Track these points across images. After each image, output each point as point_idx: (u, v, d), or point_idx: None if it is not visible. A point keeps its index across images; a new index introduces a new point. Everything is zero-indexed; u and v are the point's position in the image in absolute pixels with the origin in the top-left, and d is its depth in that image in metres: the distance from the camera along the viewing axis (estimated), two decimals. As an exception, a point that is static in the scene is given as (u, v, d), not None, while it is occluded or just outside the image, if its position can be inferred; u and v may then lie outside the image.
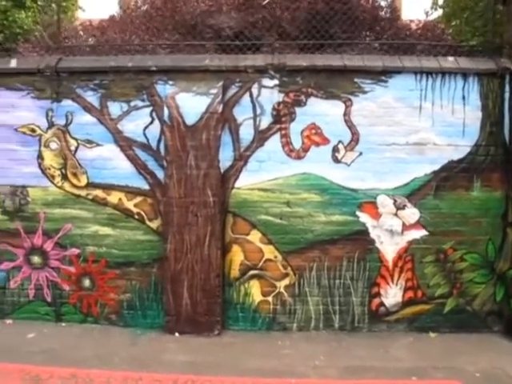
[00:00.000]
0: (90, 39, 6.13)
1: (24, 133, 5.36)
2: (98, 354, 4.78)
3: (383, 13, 6.16)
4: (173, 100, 5.09)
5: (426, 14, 7.06)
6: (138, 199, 5.28)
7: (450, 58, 5.22)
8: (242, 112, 5.17)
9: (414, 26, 6.33)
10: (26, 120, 5.35)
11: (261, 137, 5.17)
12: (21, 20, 5.99)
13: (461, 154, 5.15)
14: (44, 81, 5.31)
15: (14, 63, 5.40)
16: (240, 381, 4.33)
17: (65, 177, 5.34)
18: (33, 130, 5.35)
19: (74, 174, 5.34)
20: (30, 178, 5.36)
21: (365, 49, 5.53)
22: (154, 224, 5.27)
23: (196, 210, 5.08)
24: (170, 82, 5.17)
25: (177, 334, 5.17)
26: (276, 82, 5.15)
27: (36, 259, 5.42)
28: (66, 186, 5.34)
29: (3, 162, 5.38)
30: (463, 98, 5.13)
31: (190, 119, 5.06)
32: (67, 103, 5.30)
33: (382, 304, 5.24)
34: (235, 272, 5.25)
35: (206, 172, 5.06)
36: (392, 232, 5.18)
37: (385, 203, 5.16)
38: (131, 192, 5.28)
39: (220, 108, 5.06)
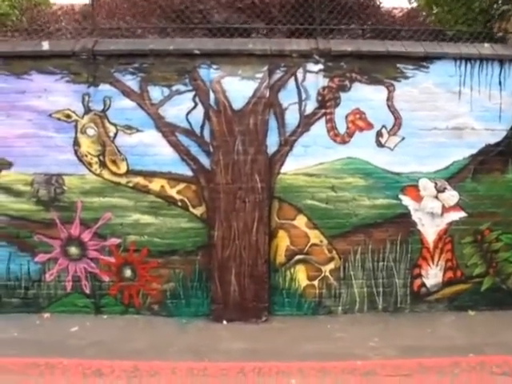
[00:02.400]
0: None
1: (59, 119, 5.14)
2: (151, 345, 4.69)
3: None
4: (219, 84, 5.00)
5: (409, 0, 7.17)
6: (181, 186, 5.17)
7: (487, 45, 5.35)
8: (287, 97, 5.14)
9: (396, 13, 6.42)
10: (60, 105, 5.13)
11: (306, 122, 5.16)
12: None
13: (497, 138, 5.30)
14: (80, 64, 5.10)
15: (46, 46, 5.15)
16: (306, 365, 4.33)
17: (103, 164, 5.16)
18: (68, 116, 5.14)
19: (113, 161, 5.16)
20: (65, 166, 5.15)
21: (354, 35, 5.60)
22: (198, 211, 5.19)
23: (244, 195, 5.03)
24: (214, 66, 5.07)
25: (224, 322, 5.13)
26: (321, 66, 5.15)
27: (73, 250, 5.23)
28: (105, 173, 5.17)
29: (37, 149, 5.15)
30: (499, 83, 5.28)
31: (237, 104, 4.99)
32: (105, 87, 5.11)
33: (423, 285, 5.36)
34: (281, 257, 5.24)
35: (253, 157, 5.01)
36: (433, 214, 5.30)
37: (426, 186, 5.28)
38: (174, 179, 5.17)
39: (267, 92, 5.02)
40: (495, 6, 6.09)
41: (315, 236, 5.24)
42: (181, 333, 4.97)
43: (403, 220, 5.28)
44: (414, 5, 7.04)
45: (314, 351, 4.59)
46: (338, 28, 5.48)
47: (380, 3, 6.30)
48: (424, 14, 6.58)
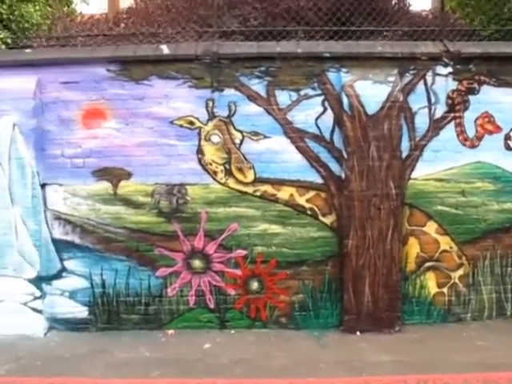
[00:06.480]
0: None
1: (181, 126, 4.92)
2: (297, 361, 4.50)
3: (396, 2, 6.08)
4: (352, 88, 4.84)
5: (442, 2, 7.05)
6: (311, 194, 4.99)
7: None
8: (417, 100, 5.01)
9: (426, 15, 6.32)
10: (182, 112, 4.91)
11: (436, 126, 5.04)
12: (29, 14, 5.44)
13: None
14: (203, 68, 4.88)
15: (166, 50, 4.90)
16: (471, 376, 4.18)
17: (229, 172, 4.94)
18: (191, 123, 4.91)
19: (240, 170, 4.95)
20: (188, 175, 4.93)
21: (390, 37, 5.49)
22: (328, 219, 5.01)
23: (379, 203, 4.88)
24: (344, 70, 4.91)
25: (358, 333, 4.97)
26: (450, 69, 5.03)
27: (197, 263, 5.00)
28: (231, 182, 4.95)
29: (158, 158, 4.91)
30: None
31: (371, 108, 4.84)
32: (230, 92, 4.91)
33: (549, 288, 5.30)
34: (411, 265, 5.11)
35: (388, 163, 4.86)
36: (557, 217, 5.24)
37: (551, 189, 5.21)
38: (303, 186, 4.98)
39: (401, 96, 4.88)
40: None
41: (445, 242, 5.12)
42: (320, 346, 4.78)
43: (530, 224, 5.21)
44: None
45: (466, 361, 4.43)
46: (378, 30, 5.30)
47: (409, 5, 6.21)
48: (454, 15, 6.49)
